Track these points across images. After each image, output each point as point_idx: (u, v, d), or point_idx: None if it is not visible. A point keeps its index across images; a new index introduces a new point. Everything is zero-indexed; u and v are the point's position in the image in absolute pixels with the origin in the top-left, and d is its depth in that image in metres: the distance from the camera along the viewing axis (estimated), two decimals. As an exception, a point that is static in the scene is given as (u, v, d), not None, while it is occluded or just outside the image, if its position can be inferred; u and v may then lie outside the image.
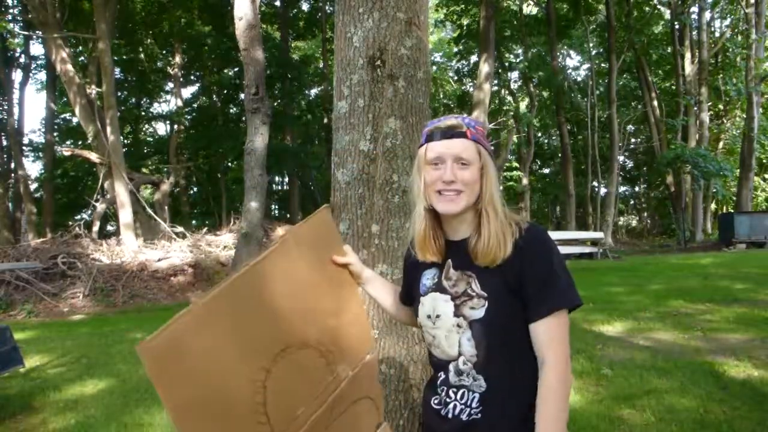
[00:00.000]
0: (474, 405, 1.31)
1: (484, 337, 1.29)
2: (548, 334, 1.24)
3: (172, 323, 1.04)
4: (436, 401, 1.39)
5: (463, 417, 1.32)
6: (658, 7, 26.34)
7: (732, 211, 23.12)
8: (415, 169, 1.38)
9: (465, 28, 24.47)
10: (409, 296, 1.51)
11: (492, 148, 1.38)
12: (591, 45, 26.47)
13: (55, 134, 23.43)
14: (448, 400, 1.35)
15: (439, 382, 1.38)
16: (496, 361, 1.29)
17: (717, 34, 26.45)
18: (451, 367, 1.35)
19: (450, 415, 1.34)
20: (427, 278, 1.42)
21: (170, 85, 25.85)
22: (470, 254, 1.32)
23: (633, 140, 31.95)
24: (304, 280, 1.37)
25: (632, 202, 39.26)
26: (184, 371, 1.04)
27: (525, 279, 1.26)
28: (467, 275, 1.32)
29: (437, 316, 1.35)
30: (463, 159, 1.30)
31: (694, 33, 24.69)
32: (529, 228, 1.30)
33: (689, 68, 24.13)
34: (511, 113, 26.56)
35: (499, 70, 24.76)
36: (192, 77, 26.15)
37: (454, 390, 1.34)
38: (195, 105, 25.79)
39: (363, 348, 1.54)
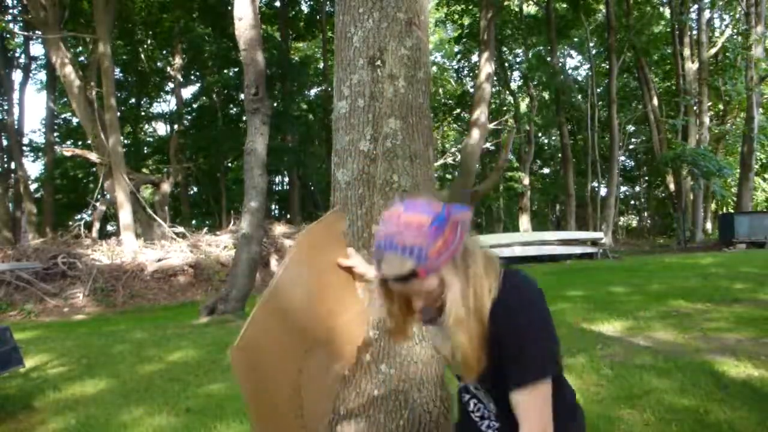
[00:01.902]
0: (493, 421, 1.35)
1: None
2: (521, 406, 1.18)
3: (246, 326, 1.17)
4: (470, 407, 1.41)
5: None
6: (658, 7, 26.33)
7: (732, 211, 23.12)
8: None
9: (465, 27, 24.47)
10: None
11: (458, 242, 1.17)
12: (591, 45, 26.46)
13: (55, 134, 23.42)
14: (474, 409, 1.39)
15: (462, 386, 1.42)
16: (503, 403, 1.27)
17: (717, 34, 26.44)
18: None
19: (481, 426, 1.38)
20: None
21: (170, 85, 25.85)
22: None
23: (633, 140, 31.95)
24: (315, 282, 1.44)
25: (632, 202, 39.27)
26: (254, 369, 1.17)
27: (501, 347, 1.19)
28: None
29: None
30: (422, 294, 1.18)
31: (694, 33, 24.68)
32: (507, 297, 1.18)
33: (689, 68, 24.12)
34: (512, 113, 26.55)
35: (499, 70, 24.75)
36: (192, 77, 26.14)
37: (475, 401, 1.39)
38: (195, 105, 25.80)
39: (357, 345, 1.58)
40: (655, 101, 25.56)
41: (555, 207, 36.22)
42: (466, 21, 24.61)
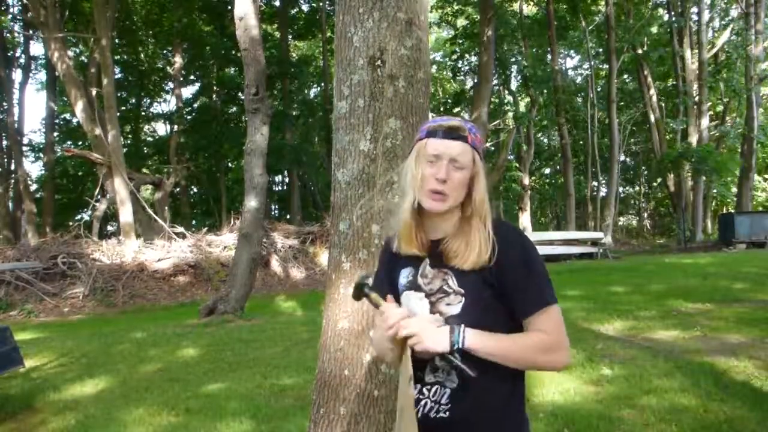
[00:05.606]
0: (443, 401, 1.32)
1: None
2: (551, 320, 1.30)
3: None
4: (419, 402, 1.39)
5: (431, 414, 1.32)
6: (657, 8, 26.30)
7: (732, 211, 23.11)
8: (412, 159, 1.38)
9: (461, 29, 24.43)
10: (382, 291, 1.45)
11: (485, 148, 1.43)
12: (591, 45, 26.42)
13: (55, 134, 23.41)
14: (420, 397, 1.35)
15: (415, 381, 1.37)
16: (469, 358, 1.28)
17: (716, 35, 26.40)
18: (428, 364, 1.35)
19: (419, 414, 1.33)
20: (403, 277, 1.42)
21: (170, 85, 25.85)
22: (446, 254, 1.34)
23: (633, 140, 31.90)
24: None
25: (632, 202, 39.21)
26: None
27: (506, 279, 1.29)
28: (443, 272, 1.34)
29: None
30: (459, 162, 1.32)
31: (694, 33, 24.65)
32: (504, 229, 1.35)
33: (689, 68, 24.09)
34: (511, 113, 26.51)
35: (499, 70, 24.71)
36: (192, 77, 26.14)
37: (428, 387, 1.35)
38: (195, 105, 25.78)
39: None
40: (655, 100, 25.53)
41: (555, 207, 36.18)
42: (462, 22, 24.57)
